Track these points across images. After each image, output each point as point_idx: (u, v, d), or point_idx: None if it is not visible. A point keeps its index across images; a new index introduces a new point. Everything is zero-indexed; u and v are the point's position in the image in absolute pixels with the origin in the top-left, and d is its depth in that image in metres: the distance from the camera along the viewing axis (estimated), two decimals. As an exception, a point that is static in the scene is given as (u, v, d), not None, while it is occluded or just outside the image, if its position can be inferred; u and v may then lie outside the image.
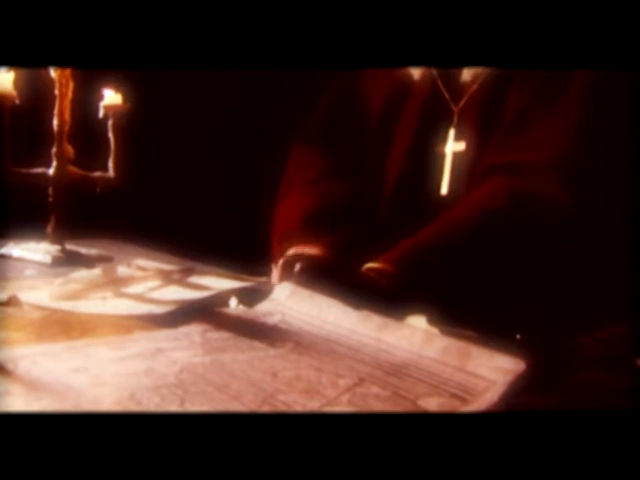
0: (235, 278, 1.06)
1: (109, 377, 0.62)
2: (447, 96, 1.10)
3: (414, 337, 0.72)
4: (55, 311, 0.85)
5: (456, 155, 1.08)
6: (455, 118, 1.09)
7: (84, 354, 0.68)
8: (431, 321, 0.83)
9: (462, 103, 1.08)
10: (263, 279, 1.05)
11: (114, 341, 0.74)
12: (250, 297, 0.92)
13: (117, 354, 0.68)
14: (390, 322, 0.77)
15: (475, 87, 1.07)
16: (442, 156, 1.09)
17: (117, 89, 1.25)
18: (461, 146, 1.08)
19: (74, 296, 0.93)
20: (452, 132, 1.09)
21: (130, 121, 1.26)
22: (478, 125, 1.06)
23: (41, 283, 1.00)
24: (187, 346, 0.72)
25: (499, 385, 0.63)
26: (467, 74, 1.08)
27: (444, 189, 1.08)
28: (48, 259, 1.17)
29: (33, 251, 1.19)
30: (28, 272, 1.08)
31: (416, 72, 1.13)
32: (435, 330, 0.80)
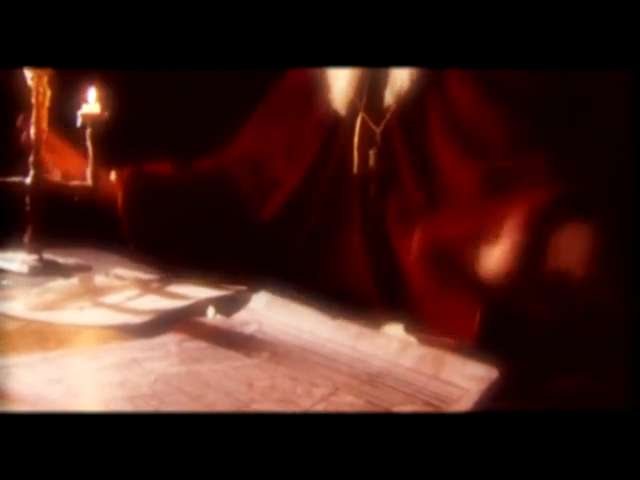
0: (213, 287, 1.06)
1: (84, 388, 0.62)
2: (369, 119, 1.13)
3: (390, 346, 0.73)
4: (31, 321, 0.85)
5: (378, 176, 1.11)
6: (378, 139, 1.11)
7: (59, 365, 0.67)
8: (408, 329, 0.83)
9: (383, 124, 1.11)
10: (242, 288, 1.05)
11: (89, 352, 0.74)
12: (228, 306, 0.92)
13: (92, 365, 0.68)
14: (366, 331, 0.77)
15: (394, 108, 1.10)
16: (366, 176, 1.12)
17: (99, 91, 1.24)
18: (382, 166, 1.10)
19: (51, 306, 0.93)
20: (372, 152, 1.11)
21: (109, 129, 1.26)
22: (402, 148, 1.09)
23: (18, 293, 0.99)
24: (163, 356, 0.72)
25: (473, 393, 0.64)
26: (389, 97, 1.11)
27: (371, 209, 1.11)
28: (25, 269, 1.16)
29: (10, 261, 1.18)
30: (5, 282, 1.08)
31: (342, 108, 1.16)
32: (412, 338, 0.80)
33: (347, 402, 0.62)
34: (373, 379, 0.67)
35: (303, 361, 0.72)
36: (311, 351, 0.76)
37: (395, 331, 0.83)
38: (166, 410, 0.58)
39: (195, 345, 0.77)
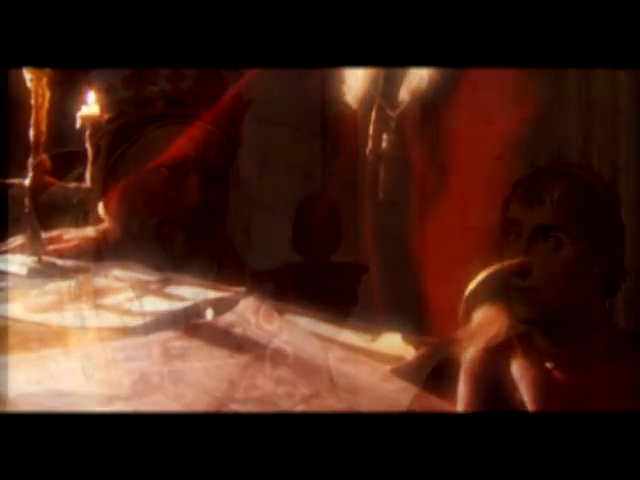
0: (212, 288, 1.06)
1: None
2: (385, 105, 1.12)
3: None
4: (29, 323, 0.85)
5: (395, 159, 1.11)
6: (392, 124, 1.11)
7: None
8: (406, 338, 0.82)
9: (398, 111, 1.10)
10: (240, 289, 1.04)
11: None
12: (226, 307, 0.91)
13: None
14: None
15: (410, 99, 1.09)
16: (378, 159, 1.11)
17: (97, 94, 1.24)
18: (398, 151, 1.10)
19: (50, 308, 0.93)
20: (386, 136, 1.11)
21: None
22: (415, 133, 1.08)
23: (17, 295, 0.99)
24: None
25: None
26: (404, 92, 1.10)
27: (381, 194, 1.10)
28: (24, 271, 1.15)
29: (9, 263, 1.18)
30: (3, 284, 1.07)
31: (355, 102, 1.15)
32: (410, 348, 0.79)
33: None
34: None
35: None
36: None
37: (392, 340, 0.82)
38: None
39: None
